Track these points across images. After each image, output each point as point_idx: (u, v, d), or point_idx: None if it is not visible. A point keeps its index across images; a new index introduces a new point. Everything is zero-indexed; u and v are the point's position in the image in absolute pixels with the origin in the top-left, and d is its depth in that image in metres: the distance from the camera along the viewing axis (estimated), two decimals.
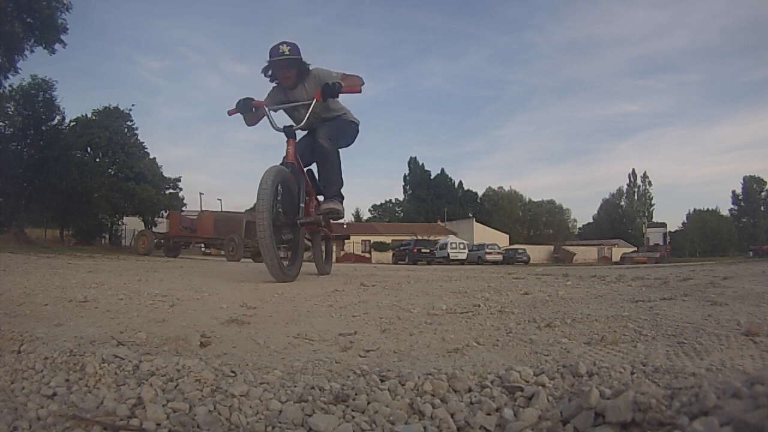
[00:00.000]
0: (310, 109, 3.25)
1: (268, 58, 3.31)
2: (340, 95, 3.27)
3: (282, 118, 3.48)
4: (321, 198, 3.62)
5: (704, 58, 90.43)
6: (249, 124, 3.47)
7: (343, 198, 3.62)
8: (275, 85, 3.50)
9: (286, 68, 3.31)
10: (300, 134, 3.50)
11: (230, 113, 3.40)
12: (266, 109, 3.34)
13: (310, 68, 3.38)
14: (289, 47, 3.28)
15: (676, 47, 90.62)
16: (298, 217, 3.24)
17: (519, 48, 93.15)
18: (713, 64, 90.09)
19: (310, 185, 3.57)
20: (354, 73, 3.39)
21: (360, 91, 3.31)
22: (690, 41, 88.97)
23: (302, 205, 3.28)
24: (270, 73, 3.41)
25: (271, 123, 3.32)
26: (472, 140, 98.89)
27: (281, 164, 3.16)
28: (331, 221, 4.20)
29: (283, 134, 3.28)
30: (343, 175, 3.55)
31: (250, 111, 3.36)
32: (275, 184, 2.93)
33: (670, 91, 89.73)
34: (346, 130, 3.64)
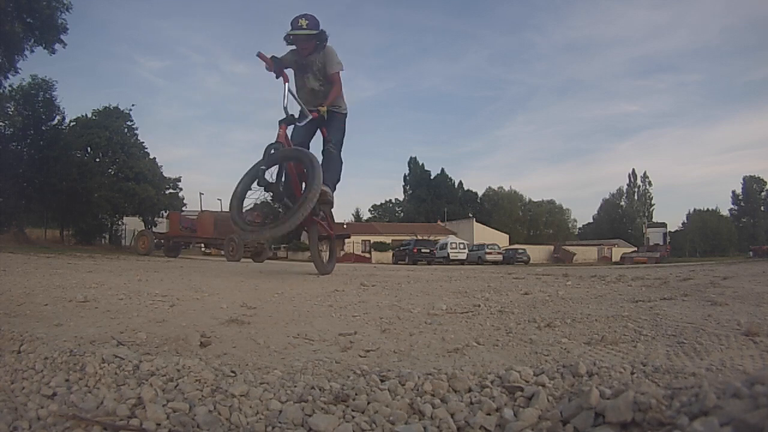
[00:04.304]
0: (308, 119, 3.62)
1: (290, 29, 3.59)
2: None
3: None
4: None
5: (704, 58, 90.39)
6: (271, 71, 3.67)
7: (334, 188, 3.91)
8: (293, 48, 3.76)
9: (305, 41, 3.62)
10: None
11: (261, 56, 3.60)
12: (286, 86, 3.57)
13: (327, 43, 3.71)
14: (307, 21, 3.55)
15: (676, 47, 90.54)
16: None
17: (519, 48, 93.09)
18: (713, 64, 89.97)
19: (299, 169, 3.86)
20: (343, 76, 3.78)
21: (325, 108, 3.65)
22: (690, 41, 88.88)
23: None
24: (291, 40, 3.68)
25: (284, 98, 3.54)
26: (472, 140, 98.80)
27: (272, 144, 3.44)
28: (331, 220, 4.39)
29: (284, 113, 3.58)
30: (340, 175, 3.93)
31: (274, 71, 3.59)
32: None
33: (670, 91, 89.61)
34: (344, 129, 4.05)
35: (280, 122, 3.57)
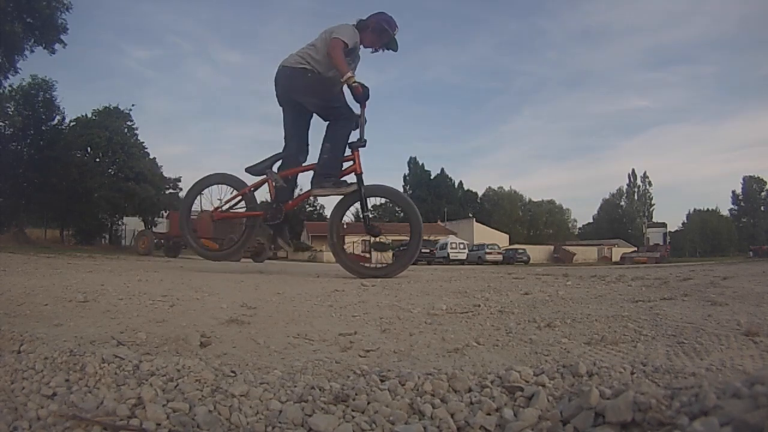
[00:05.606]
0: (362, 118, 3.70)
1: (387, 26, 3.60)
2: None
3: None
4: None
5: (720, 48, 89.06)
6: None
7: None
8: (358, 38, 3.58)
9: (381, 46, 3.71)
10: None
11: (358, 90, 3.49)
12: (364, 114, 3.68)
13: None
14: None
15: (692, 37, 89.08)
16: None
17: (529, 35, 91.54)
18: (714, 65, 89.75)
19: None
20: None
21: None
22: (707, 30, 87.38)
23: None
24: (377, 34, 3.63)
25: (362, 126, 3.68)
26: (476, 135, 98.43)
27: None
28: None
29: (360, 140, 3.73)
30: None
31: (361, 99, 3.60)
32: None
33: (683, 84, 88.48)
34: None
35: (355, 147, 3.67)
